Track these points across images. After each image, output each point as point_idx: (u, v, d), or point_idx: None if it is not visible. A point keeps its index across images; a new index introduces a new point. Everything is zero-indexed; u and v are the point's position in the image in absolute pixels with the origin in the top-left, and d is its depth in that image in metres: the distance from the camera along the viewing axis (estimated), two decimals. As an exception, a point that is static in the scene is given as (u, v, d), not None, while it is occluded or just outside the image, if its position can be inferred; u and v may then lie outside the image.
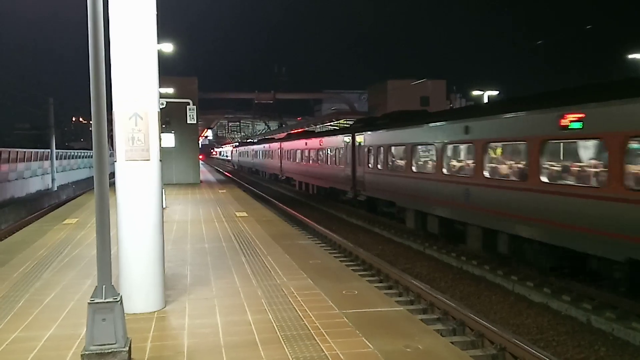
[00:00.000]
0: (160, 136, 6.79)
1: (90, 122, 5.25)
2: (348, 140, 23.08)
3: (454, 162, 14.85)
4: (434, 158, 15.24)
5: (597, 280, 10.37)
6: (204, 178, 36.52)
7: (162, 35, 6.98)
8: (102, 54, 5.03)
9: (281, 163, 39.08)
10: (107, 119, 5.22)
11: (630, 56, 25.34)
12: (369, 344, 5.58)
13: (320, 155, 27.97)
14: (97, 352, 4.77)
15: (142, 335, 5.85)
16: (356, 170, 21.93)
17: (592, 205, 9.39)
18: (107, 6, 6.31)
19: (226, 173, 57.82)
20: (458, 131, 13.79)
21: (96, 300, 4.84)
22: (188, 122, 24.29)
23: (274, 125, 79.84)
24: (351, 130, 23.34)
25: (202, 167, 46.36)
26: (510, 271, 12.09)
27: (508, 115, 11.96)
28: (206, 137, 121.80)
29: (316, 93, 77.99)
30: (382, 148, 19.28)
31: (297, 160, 33.57)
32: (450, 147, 14.60)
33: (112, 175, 7.01)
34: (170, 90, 24.47)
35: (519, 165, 11.95)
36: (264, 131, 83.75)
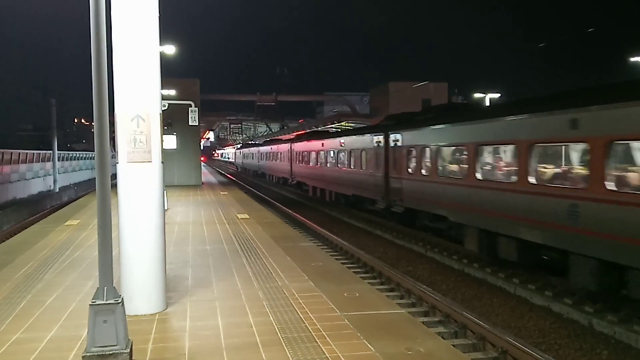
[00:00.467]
0: (162, 138, 6.79)
1: (92, 123, 5.25)
2: (379, 140, 19.68)
3: (550, 168, 11.35)
4: (514, 162, 11.74)
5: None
6: (206, 180, 36.53)
7: (164, 37, 6.99)
8: (105, 56, 5.04)
9: (291, 166, 36.05)
10: (109, 120, 5.22)
11: (633, 59, 25.31)
12: (371, 347, 5.58)
13: (340, 158, 24.87)
14: (99, 353, 4.77)
15: (144, 337, 5.85)
16: (390, 176, 18.61)
17: None
18: (110, 8, 6.33)
19: (228, 175, 57.79)
20: (559, 125, 10.15)
21: (97, 302, 4.84)
22: (190, 123, 24.27)
23: (275, 127, 79.86)
24: (383, 129, 19.85)
25: (204, 169, 46.36)
26: (511, 274, 12.07)
27: None
28: (208, 139, 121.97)
29: (318, 95, 78.13)
30: (428, 149, 15.76)
31: (311, 164, 30.43)
32: (541, 147, 11.09)
33: (114, 176, 7.01)
34: (172, 92, 24.50)
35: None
36: (265, 132, 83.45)
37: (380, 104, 52.44)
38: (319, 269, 9.18)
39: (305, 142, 32.58)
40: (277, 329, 6.14)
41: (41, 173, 40.07)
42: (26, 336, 5.95)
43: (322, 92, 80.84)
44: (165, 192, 8.27)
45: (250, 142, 78.24)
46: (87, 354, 4.78)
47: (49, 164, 40.97)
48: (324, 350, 5.49)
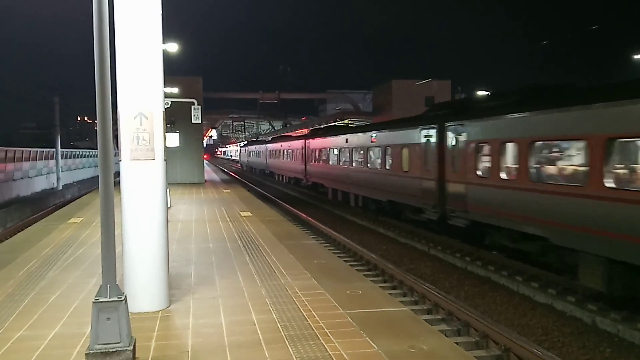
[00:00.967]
0: (165, 136, 6.80)
1: (96, 121, 5.26)
2: (430, 135, 15.92)
3: None
4: None
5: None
6: (209, 178, 36.55)
7: (167, 34, 6.99)
8: (108, 54, 5.04)
9: (305, 165, 32.27)
10: (112, 118, 5.23)
11: (637, 56, 25.24)
12: (373, 344, 5.57)
13: (372, 157, 21.19)
14: (102, 351, 4.78)
15: (147, 334, 5.86)
16: (448, 179, 14.82)
17: None
18: (113, 6, 6.33)
19: (231, 173, 57.82)
20: None
21: (101, 300, 4.85)
22: (193, 121, 24.26)
23: (278, 125, 79.87)
24: (435, 119, 15.86)
25: (207, 167, 46.34)
26: (515, 272, 12.06)
27: None
28: (211, 136, 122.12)
29: (320, 93, 78.09)
30: (515, 145, 11.80)
31: (331, 163, 26.78)
32: None
33: (117, 174, 7.02)
34: (175, 90, 24.50)
35: None
36: (268, 130, 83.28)
37: (383, 102, 52.46)
38: (322, 266, 9.18)
39: (324, 138, 28.56)
40: (280, 326, 6.14)
41: (44, 171, 40.14)
42: (29, 334, 5.96)
43: (324, 90, 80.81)
44: (168, 190, 8.28)
45: (256, 139, 75.27)
46: (91, 352, 4.79)
47: (52, 162, 41.04)
48: (327, 347, 5.49)
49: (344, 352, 5.38)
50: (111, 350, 4.79)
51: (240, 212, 16.88)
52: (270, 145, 48.24)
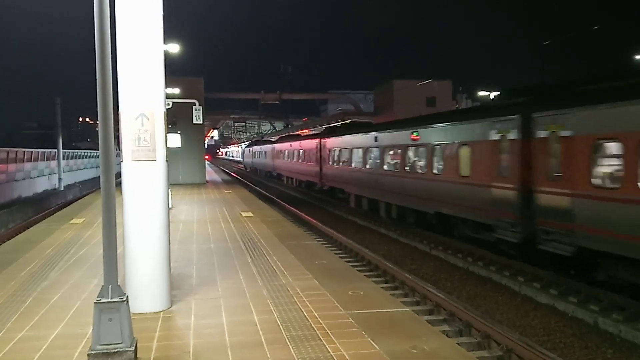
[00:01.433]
0: (166, 136, 6.80)
1: (97, 122, 5.26)
2: (508, 129, 12.27)
3: None
4: None
5: (604, 282, 10.30)
6: (210, 178, 36.57)
7: (168, 35, 7.00)
8: (109, 55, 5.04)
9: (321, 167, 28.59)
10: (114, 119, 5.23)
11: (639, 57, 25.21)
12: (375, 345, 5.57)
13: (411, 158, 17.63)
14: (104, 351, 4.78)
15: (148, 334, 5.86)
16: (537, 189, 11.35)
17: None
18: (114, 7, 6.33)
19: (232, 173, 57.83)
20: None
21: (102, 300, 4.86)
22: (194, 122, 24.26)
23: (279, 125, 79.80)
24: (516, 109, 12.26)
25: (208, 168, 46.35)
26: (516, 272, 12.04)
27: None
28: (212, 137, 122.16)
29: (322, 93, 77.94)
30: None
31: (354, 165, 23.07)
32: None
33: (119, 175, 7.03)
34: (176, 91, 24.51)
35: None
36: (269, 131, 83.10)
37: (384, 102, 52.43)
38: (323, 267, 9.17)
39: (344, 136, 25.01)
40: (281, 327, 6.14)
41: (46, 171, 40.22)
42: (31, 334, 5.96)
43: (326, 91, 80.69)
44: (169, 190, 8.29)
45: (261, 139, 72.32)
46: (92, 352, 4.79)
47: (54, 163, 41.12)
48: (329, 348, 5.49)
49: (345, 352, 5.38)
50: (113, 350, 4.79)
51: (242, 213, 16.88)
52: (277, 145, 44.07)
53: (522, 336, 8.08)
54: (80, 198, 26.58)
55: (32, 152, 37.45)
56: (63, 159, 41.82)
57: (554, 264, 11.41)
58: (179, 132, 25.62)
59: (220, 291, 7.69)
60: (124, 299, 4.91)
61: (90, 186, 42.68)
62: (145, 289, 6.64)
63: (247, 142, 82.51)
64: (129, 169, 6.59)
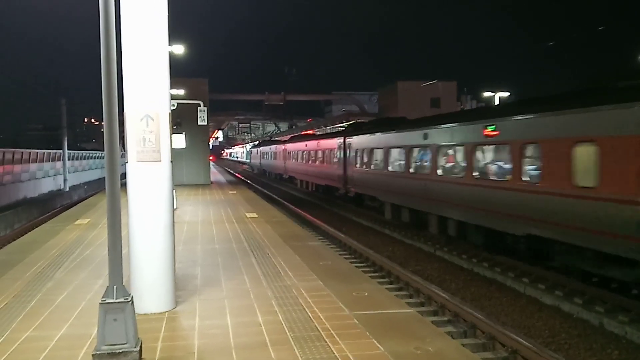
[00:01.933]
0: (171, 137, 6.81)
1: (102, 123, 5.28)
2: None
3: None
4: None
5: (609, 283, 10.27)
6: (215, 179, 36.62)
7: (172, 36, 7.02)
8: (114, 56, 5.06)
9: (345, 171, 24.74)
10: (119, 120, 5.24)
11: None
12: (380, 346, 5.56)
13: (482, 161, 14.05)
14: (109, 352, 4.79)
15: (153, 335, 5.87)
16: None
17: None
18: (119, 8, 6.35)
19: (236, 174, 57.88)
20: None
21: (107, 301, 4.87)
22: (199, 123, 24.34)
23: (283, 126, 79.81)
24: None
25: (213, 168, 46.35)
26: (521, 273, 12.01)
27: None
28: (217, 138, 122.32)
29: (326, 94, 78.00)
30: None
31: (392, 168, 19.19)
32: None
33: (124, 176, 7.04)
34: (181, 92, 24.58)
35: None
36: (274, 132, 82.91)
37: (388, 103, 52.44)
38: (328, 268, 9.17)
39: (378, 135, 20.98)
40: (286, 328, 6.14)
41: (51, 172, 40.36)
42: (36, 334, 5.98)
43: (330, 92, 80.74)
44: (174, 191, 8.30)
45: (270, 138, 68.61)
46: (97, 352, 4.80)
47: (59, 163, 41.25)
48: (333, 349, 5.49)
49: (350, 353, 5.38)
50: (118, 351, 4.80)
51: (246, 214, 16.90)
52: (289, 145, 39.74)
53: (527, 337, 8.05)
54: (85, 199, 26.65)
55: (37, 153, 37.57)
56: (68, 159, 41.96)
57: None
58: (183, 133, 25.67)
59: (224, 292, 7.69)
60: (129, 299, 4.92)
61: (95, 187, 42.79)
62: (149, 289, 6.65)
63: (255, 142, 79.01)
64: (133, 169, 6.60)
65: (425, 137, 16.38)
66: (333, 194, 27.99)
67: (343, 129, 32.34)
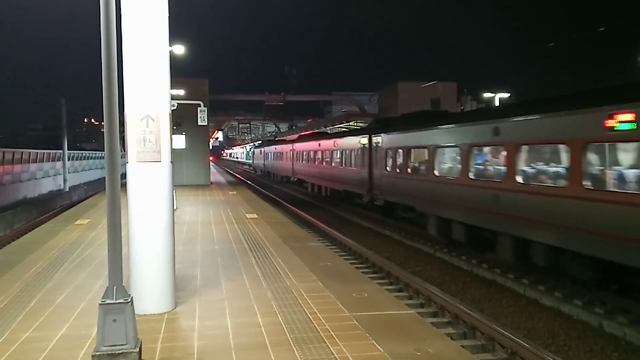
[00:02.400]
0: (171, 138, 6.81)
1: (102, 123, 5.28)
2: None
3: None
4: None
5: (609, 285, 10.26)
6: (214, 179, 36.61)
7: (172, 36, 7.01)
8: (115, 56, 5.05)
9: (371, 175, 21.27)
10: (119, 120, 5.24)
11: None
12: (379, 347, 5.56)
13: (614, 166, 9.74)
14: (108, 352, 4.79)
15: (153, 336, 5.87)
16: None
17: None
18: (120, 8, 6.35)
19: (236, 175, 57.87)
20: None
21: (107, 301, 4.86)
22: (199, 123, 24.35)
23: (283, 127, 79.79)
24: None
25: (212, 169, 46.31)
26: (521, 275, 12.01)
27: None
28: (216, 138, 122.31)
29: (326, 95, 78.00)
30: None
31: (448, 174, 15.19)
32: None
33: (124, 176, 7.04)
34: (181, 92, 24.58)
35: None
36: (274, 132, 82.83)
37: (388, 104, 52.40)
38: (328, 268, 9.17)
39: (419, 132, 17.03)
40: (285, 329, 6.13)
41: (51, 172, 40.36)
42: (36, 335, 5.98)
43: (330, 92, 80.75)
44: (174, 191, 8.30)
45: (274, 138, 64.63)
46: (97, 353, 4.79)
47: (59, 164, 41.26)
48: (333, 350, 5.48)
49: (349, 354, 5.38)
50: (117, 352, 4.80)
51: (246, 214, 16.89)
52: (299, 145, 36.17)
53: (527, 339, 8.05)
54: (85, 199, 26.64)
55: (37, 153, 37.57)
56: (68, 160, 41.97)
57: None
58: (183, 133, 25.68)
59: (224, 293, 7.69)
60: (129, 300, 4.92)
61: (95, 187, 42.78)
62: (149, 290, 6.65)
63: (258, 142, 73.50)
64: (134, 170, 6.61)
65: (497, 132, 12.51)
66: (352, 200, 24.46)
67: (366, 126, 27.76)
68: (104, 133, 5.12)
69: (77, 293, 7.69)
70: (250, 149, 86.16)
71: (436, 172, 15.64)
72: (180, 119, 25.25)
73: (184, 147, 25.77)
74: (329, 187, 28.73)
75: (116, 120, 5.13)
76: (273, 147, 49.26)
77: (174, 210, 7.17)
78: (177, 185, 22.86)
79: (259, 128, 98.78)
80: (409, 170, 17.82)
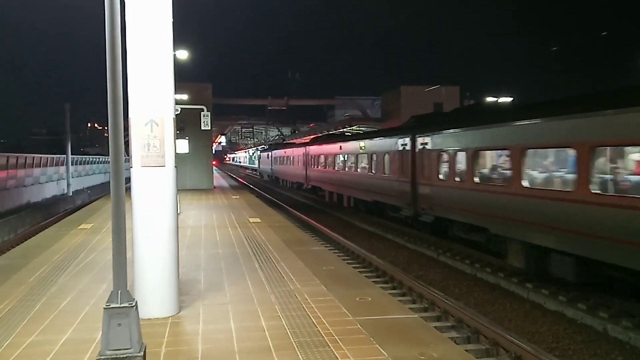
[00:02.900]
0: (175, 142, 6.84)
1: (106, 128, 5.32)
2: None
3: None
4: None
5: (613, 288, 10.24)
6: (217, 184, 36.64)
7: (176, 41, 7.05)
8: (119, 61, 5.08)
9: (414, 184, 17.35)
10: (124, 125, 5.27)
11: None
12: (383, 351, 5.56)
13: None
14: (113, 356, 4.80)
15: (157, 340, 5.87)
16: None
17: None
18: (124, 14, 6.39)
19: (239, 179, 57.91)
20: None
21: (112, 305, 4.88)
22: (202, 128, 24.40)
23: (286, 131, 79.89)
24: None
25: (215, 173, 46.35)
26: (525, 279, 11.98)
27: None
28: (220, 143, 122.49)
29: (329, 99, 78.11)
30: None
31: (545, 183, 11.42)
32: None
33: (128, 180, 7.06)
34: (184, 97, 24.64)
35: None
36: (277, 137, 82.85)
37: (391, 108, 52.44)
38: (331, 273, 9.17)
39: (490, 129, 12.97)
40: (289, 333, 6.14)
41: (55, 177, 40.44)
42: (41, 339, 5.99)
43: (333, 96, 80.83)
44: (178, 196, 8.32)
45: (283, 141, 60.78)
46: (101, 357, 4.80)
47: (62, 168, 41.35)
48: (337, 354, 5.48)
49: (353, 359, 5.37)
50: (122, 356, 4.80)
51: (249, 218, 16.91)
52: (313, 149, 31.94)
53: (531, 343, 8.03)
54: (89, 203, 26.69)
55: (41, 157, 37.67)
56: (72, 164, 42.05)
57: None
58: (187, 137, 25.73)
59: (228, 297, 7.70)
60: (133, 304, 4.93)
61: (98, 192, 42.84)
62: (153, 294, 6.66)
63: (265, 145, 69.54)
64: (138, 174, 6.63)
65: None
66: (385, 214, 20.77)
67: (405, 124, 21.93)
68: (109, 138, 5.14)
69: (81, 297, 7.70)
70: (253, 153, 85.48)
71: (525, 183, 11.30)
72: (184, 124, 25.29)
73: (187, 151, 25.84)
74: (352, 197, 24.63)
75: (121, 125, 5.16)
76: (282, 150, 44.32)
77: (177, 214, 7.18)
78: (180, 189, 22.89)
79: (262, 132, 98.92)
80: (477, 179, 13.52)
